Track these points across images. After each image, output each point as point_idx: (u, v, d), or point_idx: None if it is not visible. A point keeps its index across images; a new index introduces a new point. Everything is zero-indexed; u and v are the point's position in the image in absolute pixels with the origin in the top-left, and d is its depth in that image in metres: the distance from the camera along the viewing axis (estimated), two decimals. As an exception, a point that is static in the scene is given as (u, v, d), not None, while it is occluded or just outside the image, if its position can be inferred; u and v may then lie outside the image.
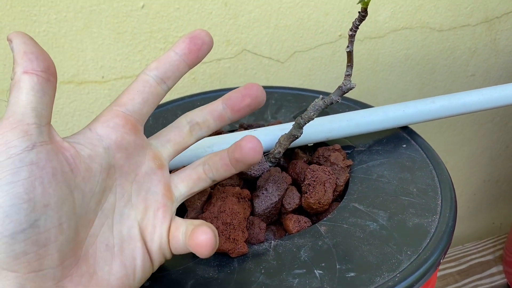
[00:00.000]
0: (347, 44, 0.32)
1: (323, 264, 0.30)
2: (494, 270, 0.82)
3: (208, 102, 0.50)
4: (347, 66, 0.33)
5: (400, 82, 0.71)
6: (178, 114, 0.48)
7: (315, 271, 0.29)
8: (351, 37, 0.32)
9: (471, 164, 0.88)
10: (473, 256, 0.85)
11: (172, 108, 0.49)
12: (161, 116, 0.47)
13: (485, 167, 0.90)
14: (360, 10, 0.31)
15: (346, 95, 0.34)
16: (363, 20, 0.31)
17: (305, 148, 0.43)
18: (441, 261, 0.31)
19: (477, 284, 0.79)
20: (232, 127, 0.45)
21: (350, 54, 0.33)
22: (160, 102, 0.54)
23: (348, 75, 0.33)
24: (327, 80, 0.64)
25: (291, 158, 0.41)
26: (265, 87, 0.52)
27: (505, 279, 0.80)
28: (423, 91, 0.74)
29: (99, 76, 0.54)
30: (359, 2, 0.30)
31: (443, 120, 0.77)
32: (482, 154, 0.87)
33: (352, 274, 0.29)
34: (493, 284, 0.79)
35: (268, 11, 0.57)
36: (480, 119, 0.82)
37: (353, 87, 0.34)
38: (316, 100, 0.35)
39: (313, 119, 0.35)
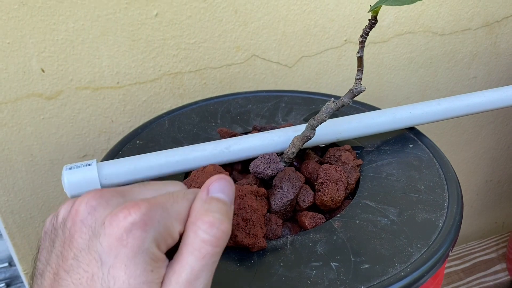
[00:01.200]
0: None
1: (338, 257, 0.32)
2: (498, 267, 0.83)
3: (220, 106, 0.52)
4: (358, 70, 0.35)
5: (404, 85, 0.73)
6: (193, 117, 0.50)
7: (331, 263, 0.31)
8: (361, 43, 0.34)
9: (474, 165, 0.90)
10: (477, 254, 0.86)
11: (187, 112, 0.51)
12: (176, 120, 0.49)
13: (487, 168, 0.92)
14: (370, 18, 0.33)
15: (354, 98, 0.36)
16: (373, 27, 0.33)
17: (316, 149, 0.44)
18: (450, 253, 0.33)
19: (481, 281, 0.81)
20: (245, 130, 0.47)
21: (360, 59, 0.35)
22: (175, 107, 0.56)
23: (359, 79, 0.35)
24: (333, 83, 0.66)
25: (302, 158, 0.43)
26: (275, 91, 0.54)
27: (509, 277, 0.82)
28: (426, 94, 0.76)
29: (115, 81, 0.56)
30: (369, 11, 0.32)
31: (446, 122, 0.79)
32: (484, 155, 0.89)
33: (366, 265, 0.31)
34: (497, 282, 0.81)
35: (276, 18, 0.59)
36: (482, 121, 0.84)
37: (363, 90, 0.36)
38: (328, 103, 0.37)
39: (325, 120, 0.37)
